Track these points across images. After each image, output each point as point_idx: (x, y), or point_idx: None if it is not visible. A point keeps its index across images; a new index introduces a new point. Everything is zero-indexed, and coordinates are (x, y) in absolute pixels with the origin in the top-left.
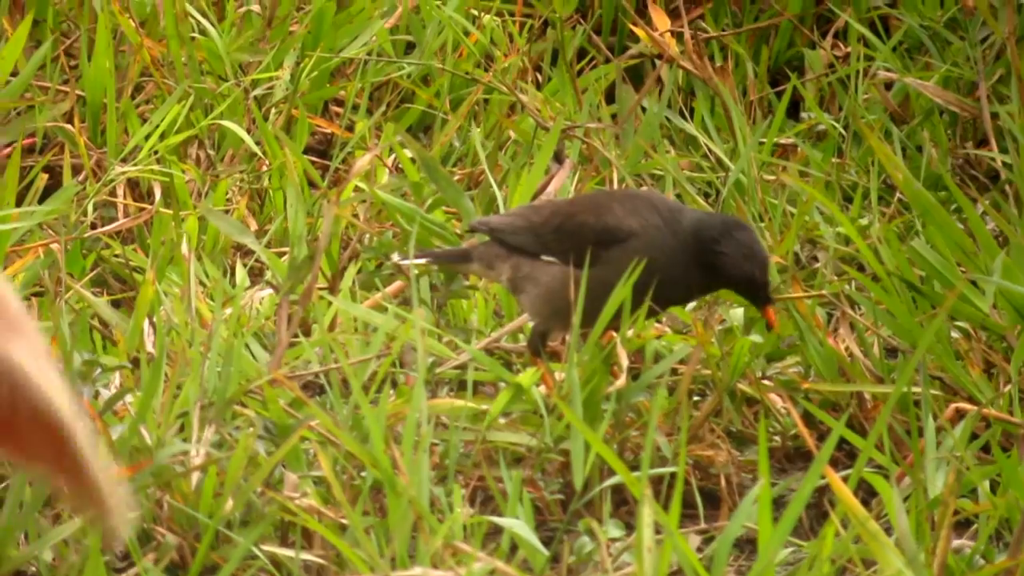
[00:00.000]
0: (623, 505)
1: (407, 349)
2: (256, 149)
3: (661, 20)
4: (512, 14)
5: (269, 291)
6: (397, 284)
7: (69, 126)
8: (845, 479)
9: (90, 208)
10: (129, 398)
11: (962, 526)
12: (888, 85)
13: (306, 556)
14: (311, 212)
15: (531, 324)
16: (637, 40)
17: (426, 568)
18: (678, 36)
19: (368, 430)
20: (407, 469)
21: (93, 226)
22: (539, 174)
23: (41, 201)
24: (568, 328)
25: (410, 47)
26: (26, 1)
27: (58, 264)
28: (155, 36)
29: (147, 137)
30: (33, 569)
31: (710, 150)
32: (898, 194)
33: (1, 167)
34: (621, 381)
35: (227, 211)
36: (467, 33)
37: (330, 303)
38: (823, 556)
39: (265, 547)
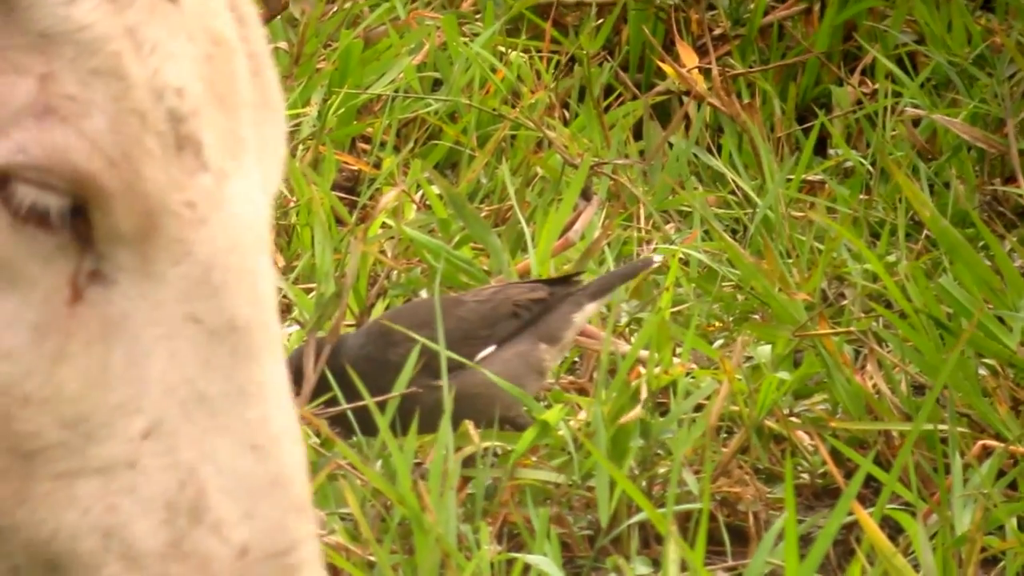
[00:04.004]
0: (655, 540)
1: None
2: (283, 186)
3: (688, 57)
4: (539, 51)
5: (296, 327)
6: None
7: None
8: (872, 516)
9: None
10: None
11: (989, 563)
12: (915, 122)
13: None
14: (338, 248)
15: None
16: (664, 77)
17: None
18: (706, 73)
19: (395, 467)
20: (434, 506)
21: None
22: (567, 211)
23: None
24: None
25: (437, 84)
26: None
27: None
28: None
29: None
30: None
31: (738, 186)
32: (925, 231)
33: None
34: (637, 411)
35: None
36: (494, 70)
37: None
38: None
39: None
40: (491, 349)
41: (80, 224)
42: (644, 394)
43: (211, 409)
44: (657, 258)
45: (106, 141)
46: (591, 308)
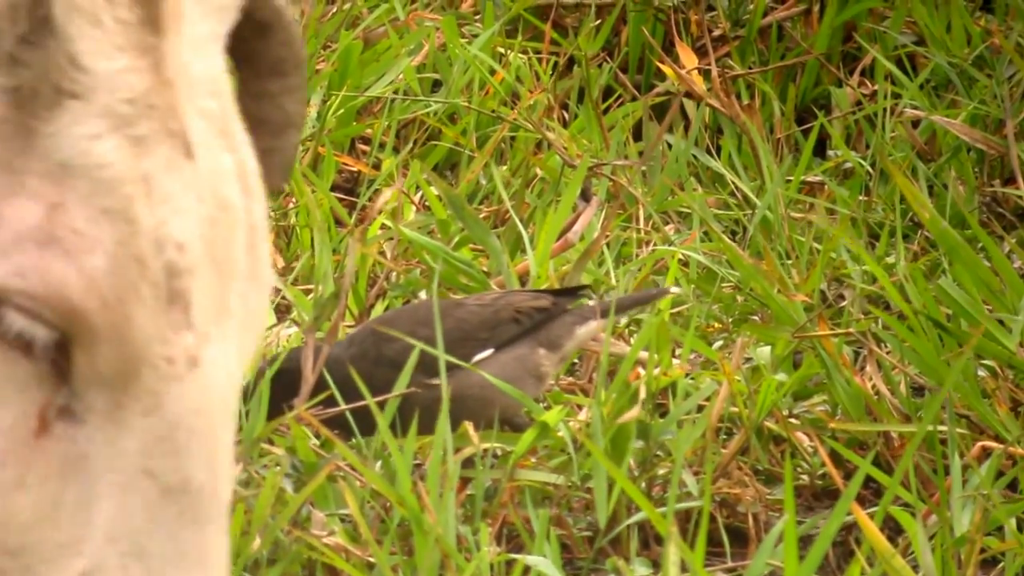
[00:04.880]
0: (655, 541)
1: None
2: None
3: (688, 58)
4: (538, 52)
5: (295, 328)
6: None
7: None
8: (871, 517)
9: None
10: None
11: (988, 564)
12: (915, 123)
13: None
14: (337, 249)
15: None
16: (664, 78)
17: None
18: (705, 74)
19: (395, 468)
20: (434, 507)
21: None
22: (566, 212)
23: None
24: None
25: (436, 85)
26: None
27: None
28: None
29: None
30: None
31: (737, 187)
32: (924, 232)
33: None
34: (635, 411)
35: None
36: (493, 71)
37: None
38: None
39: None
40: (488, 352)
41: (60, 358)
42: (643, 395)
43: (149, 567)
44: (675, 289)
45: (104, 282)
46: (596, 325)
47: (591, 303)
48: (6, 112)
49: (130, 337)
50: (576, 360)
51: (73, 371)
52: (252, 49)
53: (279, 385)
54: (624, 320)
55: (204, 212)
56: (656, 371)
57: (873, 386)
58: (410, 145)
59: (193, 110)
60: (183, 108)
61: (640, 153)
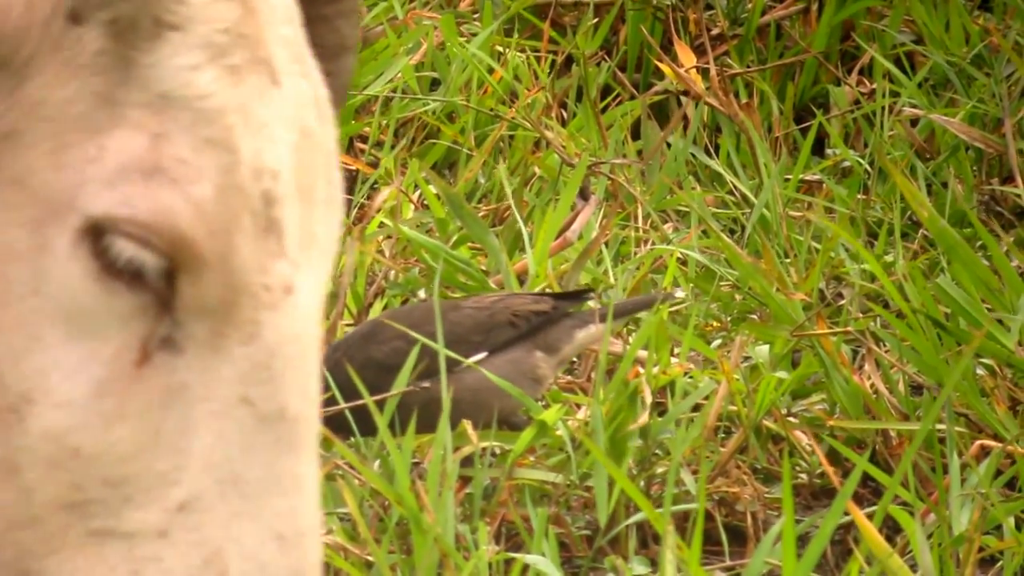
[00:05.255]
0: (653, 540)
1: None
2: None
3: (686, 57)
4: (537, 50)
5: None
6: None
7: None
8: (870, 516)
9: None
10: None
11: (987, 563)
12: (913, 121)
13: None
14: None
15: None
16: (662, 77)
17: None
18: (703, 73)
19: (393, 467)
20: (432, 506)
21: None
22: (564, 210)
23: None
24: None
25: (435, 84)
26: None
27: None
28: None
29: None
30: None
31: (735, 186)
32: (923, 230)
33: None
34: (644, 418)
35: None
36: (491, 70)
37: None
38: None
39: None
40: (481, 355)
41: (163, 288)
42: (648, 397)
43: (246, 492)
44: (679, 292)
45: (210, 210)
46: (596, 329)
47: (593, 306)
48: (105, 44)
49: (234, 266)
50: (575, 359)
51: (177, 301)
52: None
53: None
54: (623, 319)
55: (290, 139)
56: (655, 370)
57: (872, 385)
58: (408, 144)
59: (275, 37)
60: (267, 36)
61: (639, 152)
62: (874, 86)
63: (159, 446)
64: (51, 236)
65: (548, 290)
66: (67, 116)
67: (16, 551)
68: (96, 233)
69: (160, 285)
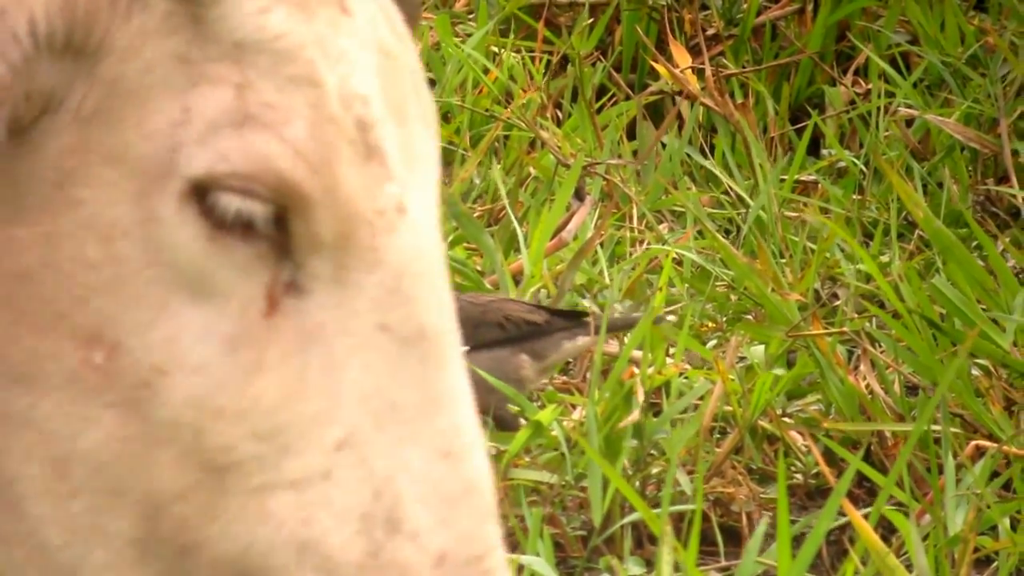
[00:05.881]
0: (648, 540)
1: None
2: None
3: (682, 57)
4: (532, 51)
5: None
6: None
7: None
8: (866, 516)
9: None
10: None
11: (982, 564)
12: (909, 122)
13: None
14: None
15: None
16: (657, 77)
17: None
18: (699, 73)
19: None
20: None
21: None
22: (560, 211)
23: None
24: None
25: (430, 84)
26: None
27: None
28: None
29: None
30: None
31: (731, 187)
32: (918, 231)
33: None
34: (635, 415)
35: None
36: (487, 70)
37: None
38: None
39: None
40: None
41: (277, 234)
42: (641, 397)
43: (403, 418)
44: (670, 317)
45: (307, 147)
46: (584, 341)
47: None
48: (170, 6)
49: (343, 197)
50: (570, 359)
51: (293, 244)
52: None
53: None
54: (616, 315)
55: (373, 62)
56: (650, 370)
57: (867, 385)
58: None
59: None
60: None
61: (634, 152)
62: (869, 86)
63: (306, 390)
64: (156, 206)
65: (543, 291)
66: (147, 85)
67: (172, 527)
68: (200, 193)
69: (273, 232)
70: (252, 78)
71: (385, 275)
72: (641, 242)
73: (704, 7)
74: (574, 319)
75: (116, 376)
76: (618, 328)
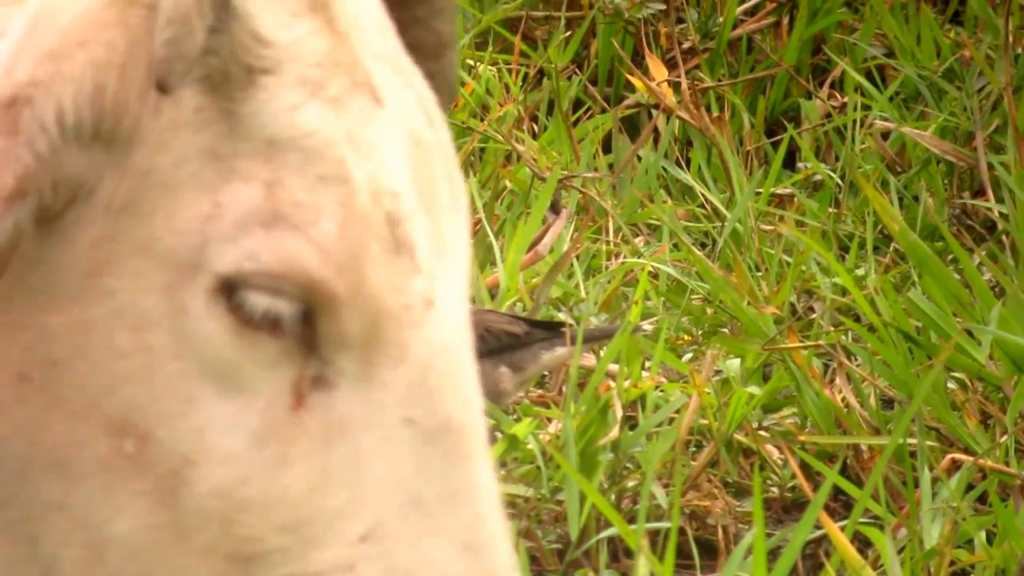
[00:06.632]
0: (624, 554)
1: None
2: None
3: (658, 70)
4: (508, 64)
5: None
6: None
7: None
8: (842, 529)
9: None
10: None
11: None
12: (885, 135)
13: None
14: None
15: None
16: (634, 90)
17: None
18: (675, 86)
19: None
20: None
21: None
22: (536, 224)
23: None
24: None
25: None
26: None
27: None
28: None
29: None
30: None
31: (707, 200)
32: (894, 244)
33: None
34: (614, 432)
35: None
36: (463, 83)
37: None
38: None
39: None
40: None
41: (304, 330)
42: (619, 411)
43: (426, 511)
44: (646, 325)
45: (335, 247)
46: (563, 352)
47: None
48: (202, 101)
49: (370, 294)
50: (546, 372)
51: (319, 340)
52: None
53: None
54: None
55: (404, 154)
56: (626, 383)
57: (843, 398)
58: None
59: (370, 56)
60: (362, 57)
61: (610, 165)
62: (845, 99)
63: (331, 483)
64: (185, 299)
65: (519, 304)
66: (178, 178)
67: None
68: (228, 289)
69: (300, 328)
70: (282, 176)
71: (411, 369)
72: (617, 255)
73: (680, 20)
74: (552, 330)
75: (146, 465)
76: (595, 339)
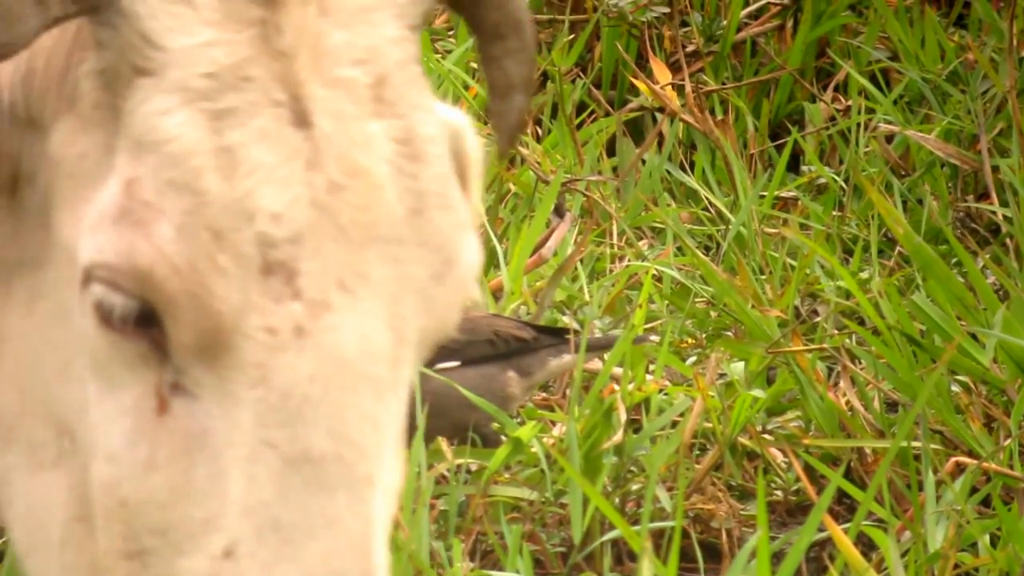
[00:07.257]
0: (628, 557)
1: None
2: None
3: (662, 73)
4: None
5: None
6: None
7: None
8: (845, 532)
9: None
10: None
11: None
12: (889, 138)
13: None
14: None
15: None
16: (637, 93)
17: None
18: (679, 89)
19: None
20: (406, 523)
21: None
22: (539, 227)
23: None
24: None
25: None
26: None
27: None
28: None
29: None
30: None
31: (711, 203)
32: (899, 247)
33: None
34: (619, 436)
35: None
36: (467, 86)
37: None
38: None
39: None
40: (454, 364)
41: (157, 335)
42: (623, 415)
43: (285, 536)
44: (653, 337)
45: (172, 250)
46: (569, 358)
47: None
48: (100, 96)
49: (212, 307)
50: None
51: (169, 346)
52: (472, 15)
53: None
54: (596, 333)
55: (319, 180)
56: (630, 387)
57: (847, 402)
58: None
59: (320, 79)
60: (304, 77)
61: (614, 169)
62: (849, 103)
63: (193, 493)
64: (76, 293)
65: (523, 308)
66: (80, 171)
67: None
68: (87, 282)
69: (152, 332)
70: (142, 175)
71: (269, 392)
72: (621, 258)
73: (684, 24)
74: (559, 336)
75: (73, 453)
76: (600, 348)
